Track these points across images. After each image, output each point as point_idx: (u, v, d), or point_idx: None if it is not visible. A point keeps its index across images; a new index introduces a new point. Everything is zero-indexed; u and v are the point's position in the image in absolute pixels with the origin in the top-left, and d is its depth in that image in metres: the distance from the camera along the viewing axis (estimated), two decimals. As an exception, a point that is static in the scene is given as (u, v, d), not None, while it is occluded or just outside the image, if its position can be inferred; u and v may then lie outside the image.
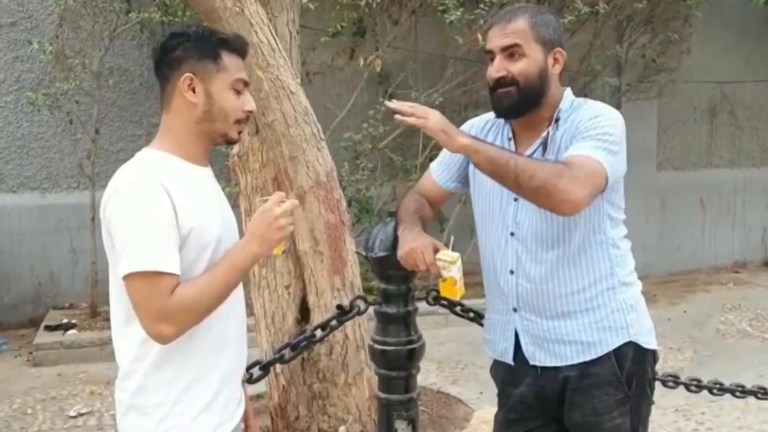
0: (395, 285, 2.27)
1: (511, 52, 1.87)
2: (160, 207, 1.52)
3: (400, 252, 1.96)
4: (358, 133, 5.69)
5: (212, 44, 1.61)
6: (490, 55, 1.91)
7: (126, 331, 1.58)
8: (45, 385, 4.54)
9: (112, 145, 5.85)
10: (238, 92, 1.64)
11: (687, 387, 2.84)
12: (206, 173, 1.69)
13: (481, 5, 5.51)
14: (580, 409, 1.94)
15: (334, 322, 2.32)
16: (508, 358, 2.01)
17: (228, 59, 1.63)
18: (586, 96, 6.38)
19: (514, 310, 1.98)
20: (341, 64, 6.06)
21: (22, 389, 4.48)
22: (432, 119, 1.78)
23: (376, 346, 2.30)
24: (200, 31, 1.65)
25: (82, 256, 5.70)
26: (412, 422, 2.35)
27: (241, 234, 1.68)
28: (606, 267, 1.92)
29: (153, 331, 1.51)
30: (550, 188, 1.72)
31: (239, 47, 1.67)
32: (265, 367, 2.50)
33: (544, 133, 1.92)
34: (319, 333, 2.31)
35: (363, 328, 3.06)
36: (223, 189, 1.79)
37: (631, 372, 1.94)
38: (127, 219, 1.51)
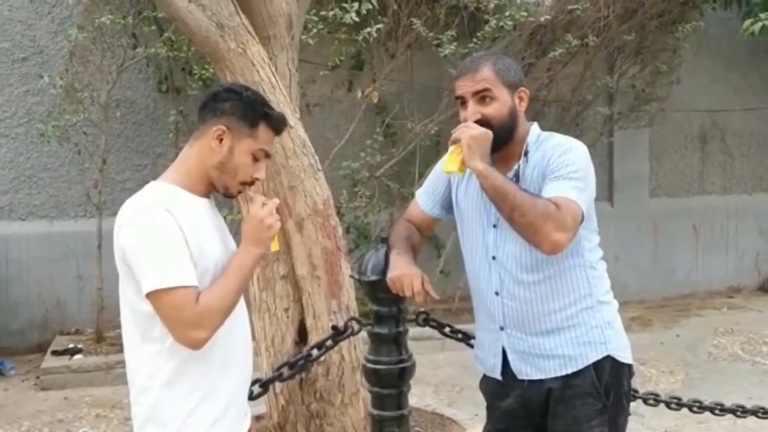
0: (387, 307, 2.43)
1: (482, 96, 2.05)
2: (171, 229, 1.68)
3: (390, 275, 2.14)
4: (356, 161, 5.87)
5: (257, 113, 1.79)
6: (461, 100, 2.10)
7: (142, 348, 1.73)
8: (52, 408, 4.67)
9: (118, 175, 6.03)
10: (256, 159, 1.81)
11: (667, 405, 2.99)
12: (207, 204, 1.85)
13: (474, 39, 5.72)
14: (562, 418, 2.08)
15: (329, 342, 2.47)
16: (497, 374, 2.16)
17: (263, 131, 1.81)
18: (578, 125, 6.65)
19: (501, 328, 2.12)
20: (340, 95, 6.26)
21: (30, 412, 4.61)
22: (471, 131, 1.99)
23: (369, 365, 2.45)
24: (253, 98, 1.83)
25: (88, 283, 5.85)
26: (405, 438, 2.49)
27: None
28: (585, 287, 2.08)
29: (187, 338, 1.67)
30: (537, 228, 1.92)
31: (277, 126, 1.85)
32: (265, 385, 2.65)
33: (516, 167, 2.09)
34: (315, 352, 2.46)
35: (358, 350, 3.20)
36: (225, 217, 1.97)
37: (608, 384, 2.09)
38: (143, 243, 1.67)
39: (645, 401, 2.96)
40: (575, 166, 2.01)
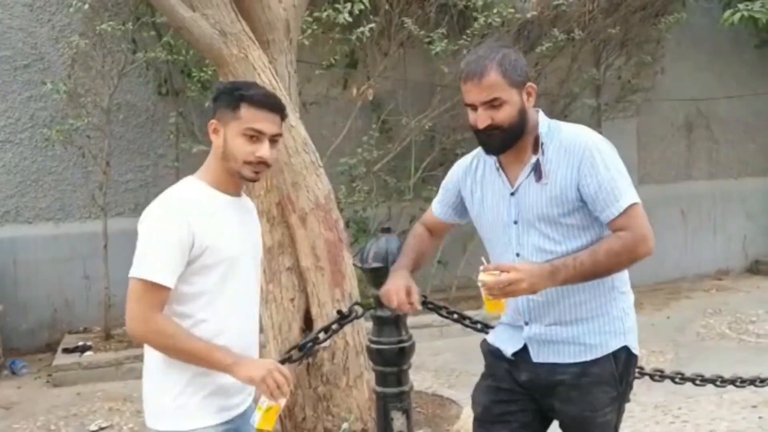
0: (387, 292, 2.61)
1: (492, 104, 2.02)
2: (171, 227, 1.85)
3: (382, 288, 2.23)
4: (354, 157, 6.04)
5: (234, 97, 1.93)
6: (471, 106, 2.06)
7: None
8: (66, 404, 4.84)
9: (121, 176, 6.19)
10: (250, 138, 1.91)
11: (672, 379, 3.19)
12: (234, 201, 2.00)
13: (465, 36, 5.90)
14: (577, 404, 2.09)
15: (335, 326, 2.66)
16: (508, 355, 2.17)
17: (246, 110, 1.91)
18: (566, 117, 6.85)
19: (526, 323, 2.14)
20: (335, 94, 6.43)
21: (45, 408, 4.78)
22: (523, 285, 1.92)
23: (372, 345, 2.63)
24: (230, 86, 1.99)
25: (95, 283, 6.01)
26: (406, 413, 2.67)
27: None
28: (608, 279, 2.08)
29: (128, 326, 1.88)
30: (633, 259, 2.00)
31: (258, 101, 1.92)
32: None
33: (533, 160, 2.08)
34: (322, 336, 2.64)
35: (361, 335, 3.38)
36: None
37: (622, 373, 2.11)
38: (143, 232, 1.89)
39: (652, 377, 3.15)
40: (610, 168, 2.02)
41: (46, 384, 5.28)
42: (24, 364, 5.61)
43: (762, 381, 3.33)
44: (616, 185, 2.02)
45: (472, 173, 2.24)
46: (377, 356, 2.68)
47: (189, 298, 1.90)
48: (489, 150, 2.12)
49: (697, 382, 3.24)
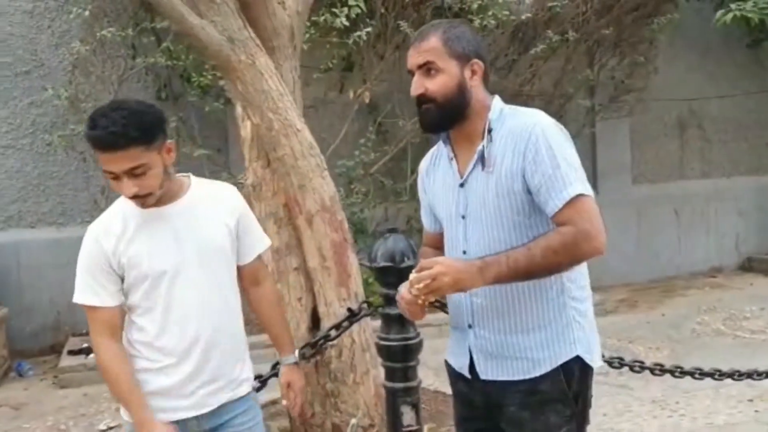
0: (394, 290, 2.68)
1: (427, 68, 1.89)
2: (86, 249, 2.01)
3: (397, 295, 2.04)
4: (351, 160, 6.13)
5: (87, 138, 1.90)
6: (411, 74, 1.94)
7: None
8: (73, 404, 4.91)
9: (122, 181, 6.25)
10: (115, 178, 1.89)
11: (672, 373, 3.29)
12: (161, 212, 2.02)
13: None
14: (530, 426, 1.90)
15: (345, 323, 2.74)
16: (465, 372, 2.01)
17: (96, 152, 1.91)
18: (561, 117, 6.95)
19: (469, 326, 1.97)
20: (333, 97, 6.52)
21: (53, 409, 4.84)
22: (446, 279, 1.77)
23: (381, 342, 2.71)
24: (87, 125, 1.90)
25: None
26: (415, 407, 2.75)
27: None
28: (557, 285, 1.89)
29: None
30: (575, 259, 1.81)
31: (96, 143, 1.87)
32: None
33: (479, 147, 1.91)
34: (333, 332, 2.72)
35: (367, 333, 3.46)
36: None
37: (577, 390, 1.92)
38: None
39: (631, 369, 3.24)
40: (556, 154, 1.83)
41: (52, 385, 5.34)
42: (30, 366, 5.67)
43: (759, 374, 3.43)
44: (562, 174, 1.81)
45: (432, 167, 2.09)
46: (385, 352, 2.76)
47: (130, 308, 2.06)
48: (424, 126, 1.99)
49: (696, 375, 3.34)
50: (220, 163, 6.25)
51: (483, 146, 1.90)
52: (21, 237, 6.14)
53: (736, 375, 3.37)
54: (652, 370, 3.25)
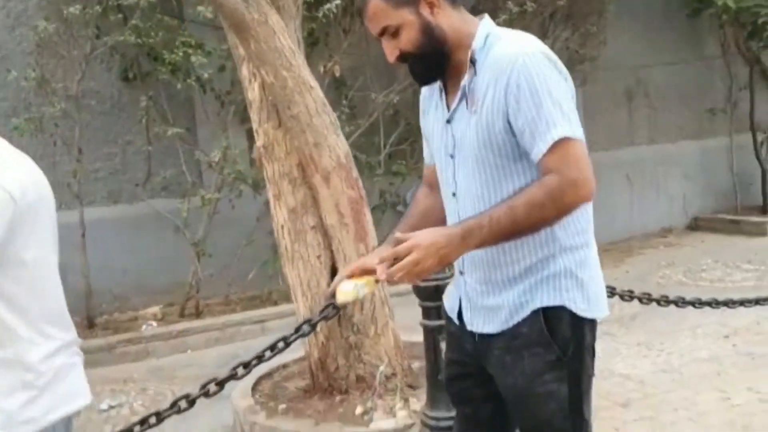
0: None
1: (387, 32, 1.77)
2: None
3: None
4: (325, 134, 6.15)
5: None
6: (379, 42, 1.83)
7: None
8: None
9: (90, 165, 6.09)
10: None
11: (658, 302, 3.51)
12: None
13: (428, 10, 6.09)
14: (511, 372, 1.81)
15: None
16: (454, 317, 1.96)
17: None
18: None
19: (461, 273, 1.90)
20: (301, 72, 6.51)
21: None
22: (426, 263, 1.62)
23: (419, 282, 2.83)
24: None
25: (71, 272, 5.91)
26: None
27: None
28: (546, 233, 1.75)
29: None
30: (562, 211, 1.67)
31: None
32: (314, 325, 2.97)
33: (463, 82, 1.77)
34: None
35: (385, 287, 3.55)
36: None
37: (566, 336, 1.77)
38: None
39: (621, 297, 3.47)
40: (540, 90, 1.65)
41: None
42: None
43: (733, 303, 3.70)
44: (545, 113, 1.64)
45: (429, 97, 1.96)
46: (420, 293, 2.91)
47: None
48: (419, 80, 1.87)
49: (679, 304, 3.57)
50: (191, 141, 6.18)
51: (467, 82, 1.76)
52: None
53: (713, 303, 3.62)
54: (640, 299, 3.47)
